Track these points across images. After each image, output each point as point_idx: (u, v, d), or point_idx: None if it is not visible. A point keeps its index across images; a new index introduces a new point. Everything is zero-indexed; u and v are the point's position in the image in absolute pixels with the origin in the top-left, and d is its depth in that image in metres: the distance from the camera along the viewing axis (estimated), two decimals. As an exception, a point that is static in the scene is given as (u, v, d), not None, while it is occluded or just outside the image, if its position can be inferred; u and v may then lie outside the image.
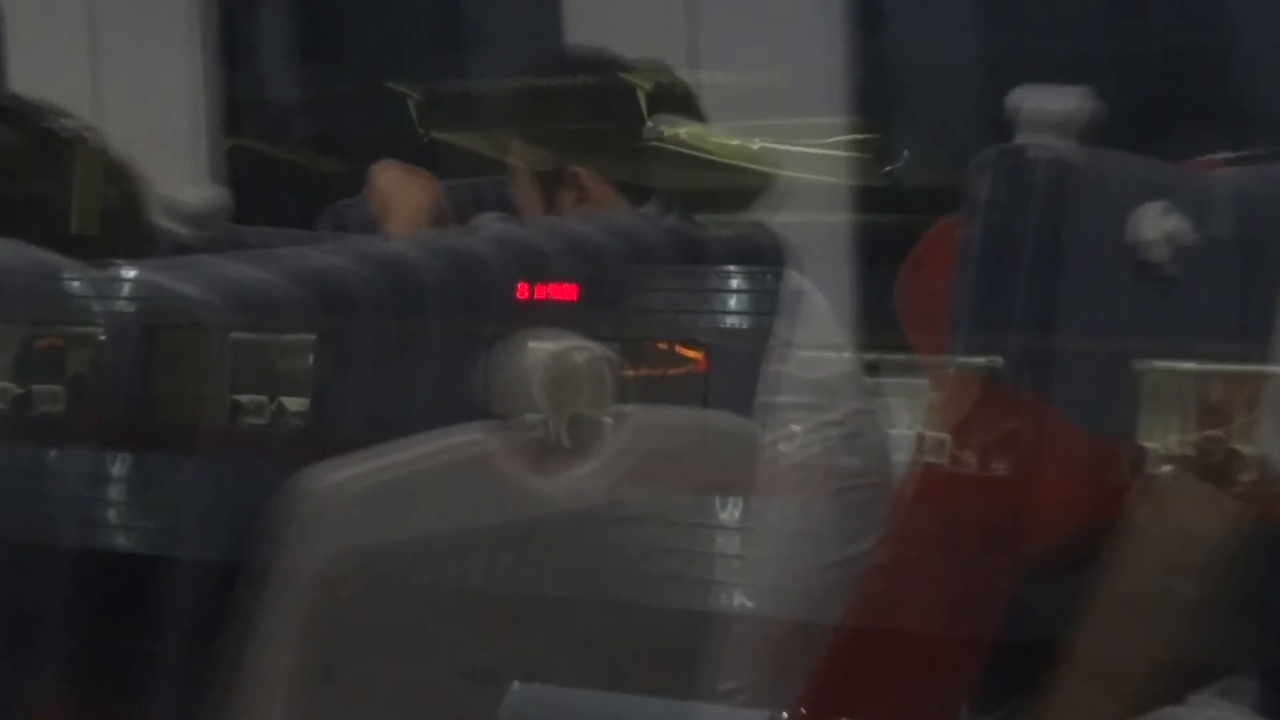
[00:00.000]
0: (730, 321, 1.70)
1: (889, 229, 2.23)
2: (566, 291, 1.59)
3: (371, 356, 1.51)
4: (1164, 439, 1.51)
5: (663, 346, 1.69)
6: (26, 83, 2.48)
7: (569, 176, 2.03)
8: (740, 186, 1.87)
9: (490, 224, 1.84)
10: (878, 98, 2.47)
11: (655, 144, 1.88)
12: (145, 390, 1.45)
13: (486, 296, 1.58)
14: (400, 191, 2.16)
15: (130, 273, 1.50)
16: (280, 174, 3.13)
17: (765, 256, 1.76)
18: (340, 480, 1.40)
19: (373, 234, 2.14)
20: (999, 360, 1.59)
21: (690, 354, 1.68)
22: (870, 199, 2.40)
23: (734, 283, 1.70)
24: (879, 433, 1.94)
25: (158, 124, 2.78)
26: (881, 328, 1.89)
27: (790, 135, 2.09)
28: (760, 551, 1.64)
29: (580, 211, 2.01)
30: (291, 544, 1.37)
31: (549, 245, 1.64)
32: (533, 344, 1.47)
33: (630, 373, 1.57)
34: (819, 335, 1.90)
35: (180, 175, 2.70)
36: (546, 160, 2.05)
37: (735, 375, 1.68)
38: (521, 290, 1.58)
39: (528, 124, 2.08)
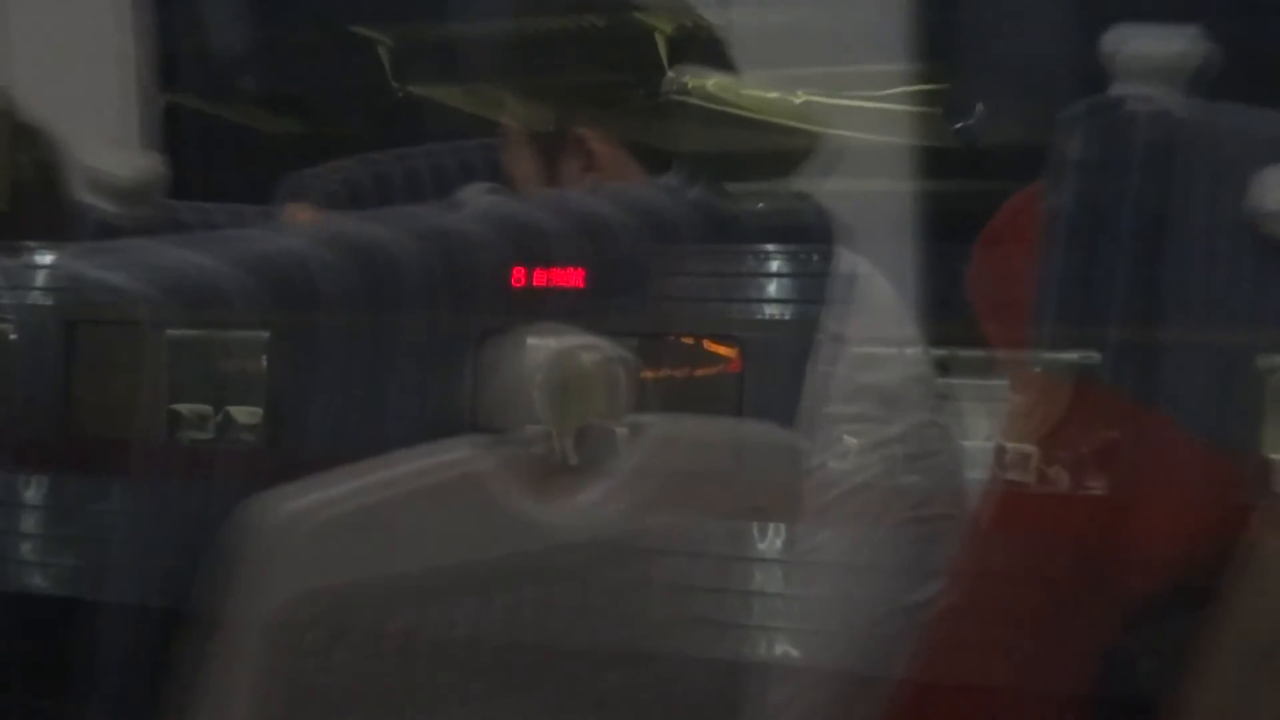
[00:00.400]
0: (770, 312, 1.68)
1: (961, 198, 2.20)
2: (572, 277, 1.59)
3: (338, 358, 1.50)
4: (1296, 450, 1.56)
5: (689, 343, 1.68)
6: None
7: (573, 139, 2.00)
8: (781, 149, 1.84)
9: (480, 197, 1.83)
10: (946, 39, 2.43)
11: (677, 99, 1.86)
12: (65, 399, 1.46)
13: (476, 284, 1.56)
14: None
15: (46, 258, 1.51)
16: (227, 138, 3.12)
17: (812, 233, 1.73)
18: (302, 508, 1.38)
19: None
20: (1094, 356, 1.58)
21: (722, 352, 1.67)
22: (938, 162, 2.35)
23: (774, 265, 1.69)
24: (951, 449, 1.92)
25: (78, 79, 2.75)
26: (953, 318, 1.87)
27: (840, 86, 2.09)
28: (809, 591, 1.64)
29: (588, 182, 1.97)
30: (245, 585, 1.35)
31: (551, 222, 1.62)
32: (532, 341, 1.46)
33: (650, 375, 1.57)
34: (877, 328, 1.88)
35: (106, 140, 2.67)
36: (546, 119, 2.01)
37: (776, 377, 1.67)
38: (518, 276, 1.57)
39: (523, 76, 2.05)
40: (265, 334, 1.47)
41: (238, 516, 1.36)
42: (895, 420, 1.89)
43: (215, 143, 3.09)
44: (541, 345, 1.46)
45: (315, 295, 1.47)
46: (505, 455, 1.46)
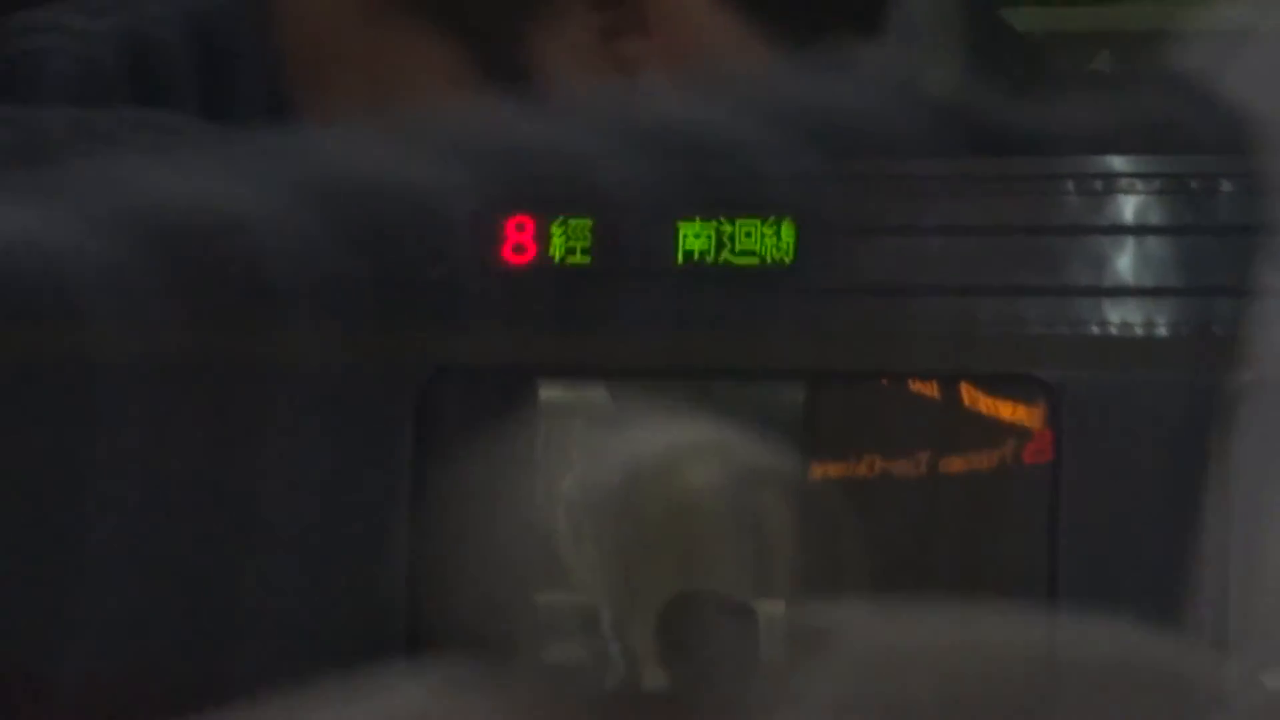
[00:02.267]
0: (1116, 322, 1.71)
1: None
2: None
3: (122, 441, 1.62)
4: None
5: (931, 397, 1.71)
6: None
7: None
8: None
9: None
10: None
11: None
12: None
13: (422, 266, 1.65)
14: None
15: None
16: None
17: (1211, 151, 1.70)
18: None
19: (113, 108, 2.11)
20: None
21: (1009, 415, 1.71)
22: None
23: (1124, 215, 1.71)
24: None
25: None
26: None
27: None
28: None
29: (623, 68, 1.93)
30: None
31: (605, 133, 1.65)
32: (560, 415, 1.56)
33: (836, 473, 1.63)
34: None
35: None
36: None
37: (1138, 479, 1.67)
38: (518, 242, 1.65)
39: None
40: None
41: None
42: None
43: None
44: (585, 432, 1.53)
45: (76, 302, 1.63)
46: (503, 692, 1.49)
